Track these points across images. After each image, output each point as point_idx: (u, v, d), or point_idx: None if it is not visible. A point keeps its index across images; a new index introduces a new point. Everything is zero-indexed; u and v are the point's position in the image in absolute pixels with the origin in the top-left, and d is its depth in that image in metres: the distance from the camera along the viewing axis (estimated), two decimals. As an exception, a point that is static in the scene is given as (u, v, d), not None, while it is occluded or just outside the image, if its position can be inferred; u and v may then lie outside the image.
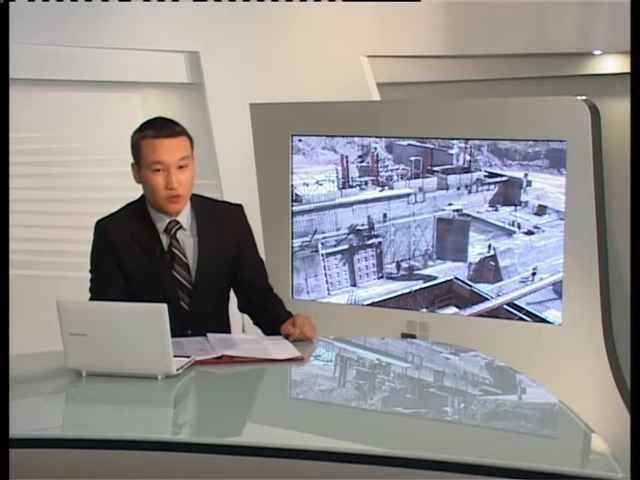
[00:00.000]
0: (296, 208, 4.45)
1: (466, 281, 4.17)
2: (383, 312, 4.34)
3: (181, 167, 3.11)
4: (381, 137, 4.27)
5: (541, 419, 2.53)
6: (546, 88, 4.40)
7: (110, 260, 3.14)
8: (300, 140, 4.41)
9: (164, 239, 3.16)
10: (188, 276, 3.16)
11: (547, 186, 3.95)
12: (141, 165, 3.13)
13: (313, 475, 2.18)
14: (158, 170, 3.10)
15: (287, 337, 3.05)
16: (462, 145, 4.07)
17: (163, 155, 3.09)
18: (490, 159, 4.03)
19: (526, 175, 3.98)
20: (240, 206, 3.32)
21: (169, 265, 3.15)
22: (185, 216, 3.18)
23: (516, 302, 4.08)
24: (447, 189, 4.16)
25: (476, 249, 4.13)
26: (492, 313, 4.12)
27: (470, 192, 4.11)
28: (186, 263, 3.16)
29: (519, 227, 4.03)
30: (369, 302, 4.38)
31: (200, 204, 3.23)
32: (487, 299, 4.13)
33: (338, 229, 4.42)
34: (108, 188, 4.78)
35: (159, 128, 3.13)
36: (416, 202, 4.23)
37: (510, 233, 4.05)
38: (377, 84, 4.93)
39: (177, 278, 3.15)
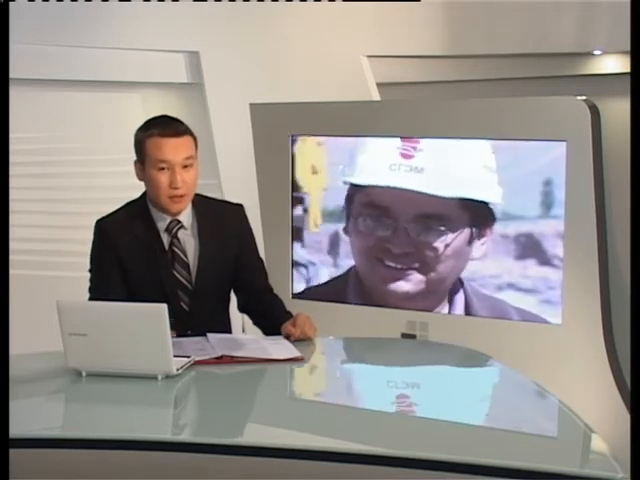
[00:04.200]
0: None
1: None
2: (383, 312, 4.33)
3: (185, 167, 3.11)
4: (381, 137, 4.28)
5: (541, 419, 2.53)
6: (546, 88, 4.40)
7: (110, 259, 3.14)
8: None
9: (165, 238, 3.16)
10: (188, 276, 3.16)
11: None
12: (145, 163, 3.13)
13: (313, 475, 2.18)
14: (163, 169, 3.10)
15: (288, 337, 3.05)
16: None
17: (168, 154, 3.09)
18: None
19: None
20: (241, 206, 3.33)
21: (169, 264, 3.15)
22: (186, 215, 3.18)
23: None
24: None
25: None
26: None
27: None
28: (186, 263, 3.16)
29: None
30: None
31: (201, 204, 3.23)
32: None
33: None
34: (108, 188, 4.78)
35: (164, 127, 3.13)
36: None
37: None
38: (377, 84, 4.93)
39: (177, 278, 3.15)
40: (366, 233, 4.36)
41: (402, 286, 4.29)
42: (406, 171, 4.20)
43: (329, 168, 4.45)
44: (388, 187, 4.25)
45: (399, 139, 4.21)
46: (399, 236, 4.25)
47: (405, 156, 4.20)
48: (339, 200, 4.42)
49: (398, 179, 4.23)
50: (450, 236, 4.15)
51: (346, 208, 4.40)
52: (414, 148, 4.19)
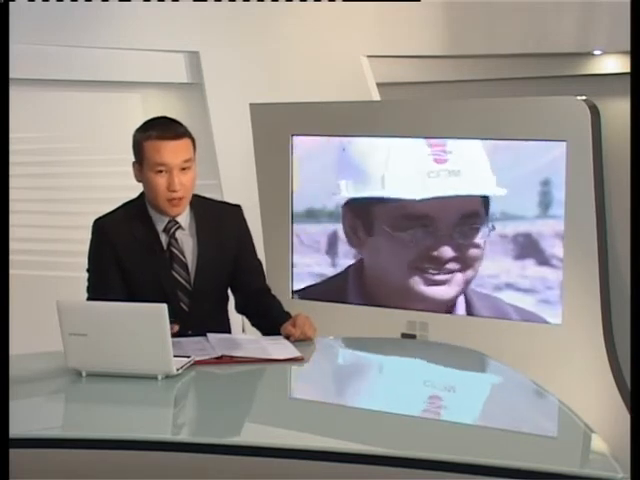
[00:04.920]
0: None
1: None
2: (383, 312, 4.33)
3: (184, 169, 3.10)
4: (381, 137, 4.27)
5: (541, 419, 2.53)
6: (546, 88, 4.40)
7: (108, 258, 3.13)
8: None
9: (163, 238, 3.16)
10: (187, 276, 3.16)
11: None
12: (143, 165, 3.12)
13: (313, 475, 2.18)
14: (161, 171, 3.09)
15: (288, 337, 3.05)
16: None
17: (166, 157, 3.08)
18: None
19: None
20: (239, 207, 3.32)
21: (168, 264, 3.14)
22: (184, 216, 3.17)
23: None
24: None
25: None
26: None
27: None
28: (185, 263, 3.16)
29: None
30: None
31: (199, 204, 3.22)
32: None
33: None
34: (108, 188, 4.78)
35: (163, 129, 3.11)
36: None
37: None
38: (377, 84, 4.93)
39: (176, 278, 3.15)
40: (404, 245, 4.25)
41: (447, 292, 4.22)
42: (446, 176, 4.14)
43: (309, 172, 4.45)
44: (433, 197, 4.16)
45: (425, 144, 4.16)
46: (443, 242, 4.17)
47: (439, 161, 4.14)
48: (308, 204, 4.43)
49: (441, 186, 4.15)
50: (485, 231, 4.12)
51: (355, 219, 4.35)
52: (444, 151, 4.14)
